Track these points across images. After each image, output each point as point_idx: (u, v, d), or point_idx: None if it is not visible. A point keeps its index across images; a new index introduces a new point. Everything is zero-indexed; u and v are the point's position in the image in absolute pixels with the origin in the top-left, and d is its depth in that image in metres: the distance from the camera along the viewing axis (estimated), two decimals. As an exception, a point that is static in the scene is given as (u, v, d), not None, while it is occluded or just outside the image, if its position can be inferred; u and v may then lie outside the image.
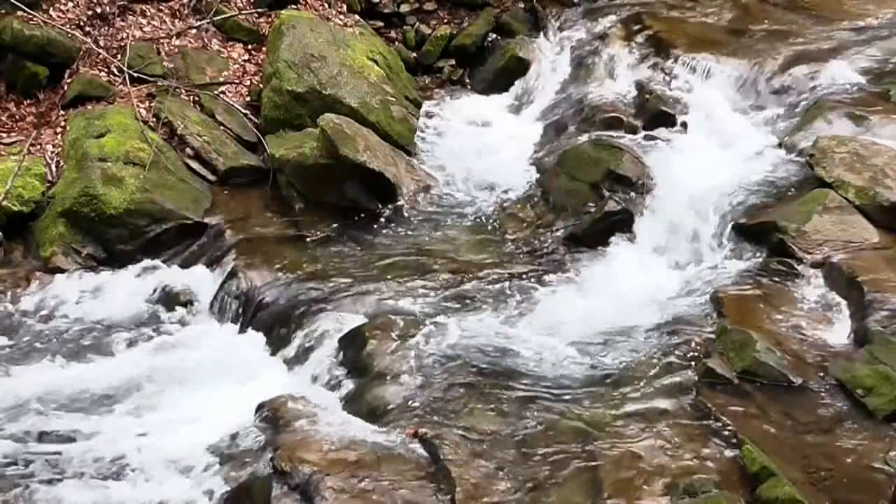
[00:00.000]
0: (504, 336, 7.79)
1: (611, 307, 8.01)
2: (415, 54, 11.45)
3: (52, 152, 9.43)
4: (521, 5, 11.62)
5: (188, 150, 9.52)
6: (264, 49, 10.49)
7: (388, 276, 8.48)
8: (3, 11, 9.74)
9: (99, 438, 7.14)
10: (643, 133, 9.64)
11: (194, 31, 10.61)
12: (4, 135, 9.61)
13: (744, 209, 8.58)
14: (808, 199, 8.44)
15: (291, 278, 8.48)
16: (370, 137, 9.48)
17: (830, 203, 8.29)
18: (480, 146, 10.19)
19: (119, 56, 10.03)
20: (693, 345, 7.47)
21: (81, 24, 10.15)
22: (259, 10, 10.88)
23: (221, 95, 10.10)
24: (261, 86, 10.15)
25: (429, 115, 10.68)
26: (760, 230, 8.33)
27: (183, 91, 10.02)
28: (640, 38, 10.60)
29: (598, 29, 10.94)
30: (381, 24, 11.43)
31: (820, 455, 6.50)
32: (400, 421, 6.93)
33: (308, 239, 8.98)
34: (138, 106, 9.65)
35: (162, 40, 10.43)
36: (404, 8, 11.57)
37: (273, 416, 7.06)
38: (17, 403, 7.41)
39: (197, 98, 10.03)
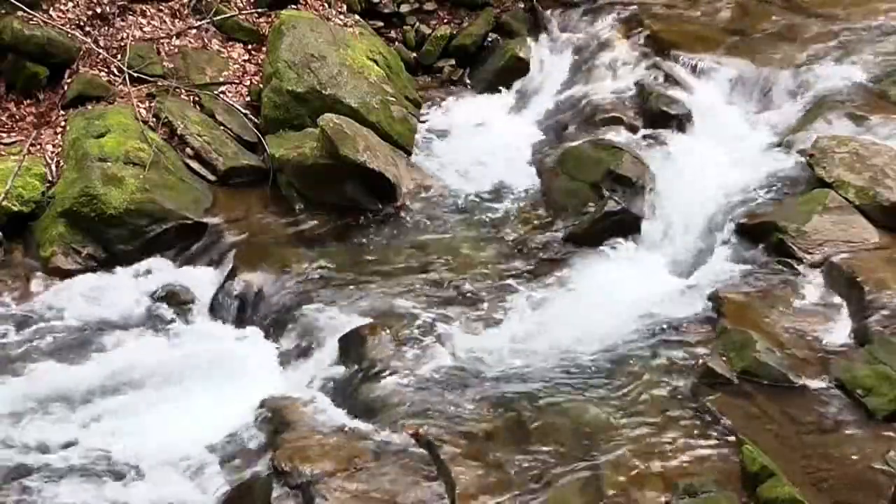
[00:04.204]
0: (504, 336, 7.80)
1: (611, 307, 8.00)
2: (415, 54, 11.45)
3: (52, 152, 9.43)
4: (521, 5, 11.62)
5: (188, 150, 9.52)
6: (264, 49, 10.48)
7: (388, 276, 8.49)
8: (3, 11, 9.73)
9: (99, 438, 7.14)
10: (643, 133, 9.64)
11: (194, 31, 10.61)
12: (4, 135, 9.61)
13: (744, 209, 8.58)
14: (808, 199, 8.44)
15: (291, 278, 8.49)
16: (370, 137, 9.48)
17: (830, 203, 8.29)
18: (480, 146, 10.19)
19: (119, 56, 10.03)
20: (693, 345, 7.47)
21: (81, 24, 10.15)
22: (259, 10, 10.87)
23: (221, 95, 10.10)
24: (261, 86, 10.15)
25: (429, 115, 10.68)
26: (760, 230, 8.33)
27: (183, 91, 10.02)
28: (640, 38, 10.59)
29: (598, 29, 10.94)
30: (381, 24, 11.43)
31: (820, 455, 6.50)
32: (400, 421, 6.94)
33: (308, 239, 8.98)
34: (138, 106, 9.65)
35: (162, 40, 10.43)
36: (404, 8, 11.57)
37: (273, 415, 7.07)
38: (16, 403, 7.41)
39: (197, 98, 10.03)
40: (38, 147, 9.47)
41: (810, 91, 9.59)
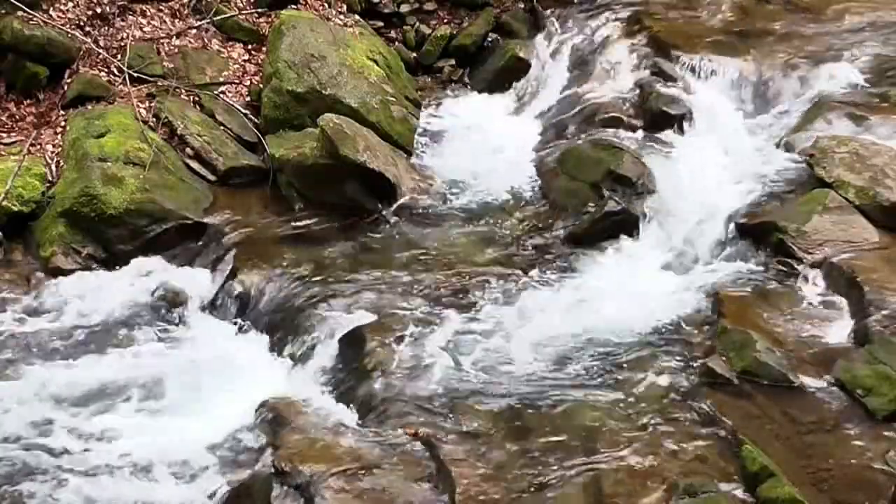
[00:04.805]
0: (504, 336, 7.79)
1: (611, 307, 8.00)
2: (415, 54, 11.44)
3: (52, 152, 9.43)
4: (521, 5, 11.61)
5: (188, 150, 9.52)
6: (264, 49, 10.47)
7: (388, 276, 8.48)
8: (3, 11, 9.73)
9: (98, 438, 7.14)
10: (643, 133, 9.62)
11: (194, 31, 10.60)
12: (4, 135, 9.61)
13: (744, 209, 8.58)
14: (808, 199, 8.44)
15: (291, 278, 8.48)
16: (370, 137, 9.47)
17: (830, 203, 8.29)
18: (480, 146, 10.18)
19: (119, 56, 10.02)
20: (693, 345, 7.48)
21: (81, 24, 10.14)
22: (259, 10, 10.87)
23: (221, 95, 10.10)
24: (261, 86, 10.15)
25: (429, 115, 10.68)
26: (760, 230, 8.34)
27: (183, 91, 10.02)
28: (640, 38, 10.58)
29: (597, 29, 10.93)
30: (381, 24, 11.42)
31: (820, 455, 6.50)
32: (400, 421, 6.94)
33: (308, 239, 8.97)
34: (138, 106, 9.65)
35: (162, 40, 10.43)
36: (404, 8, 11.56)
37: (273, 415, 7.07)
38: (16, 403, 7.41)
39: (197, 98, 10.02)
40: (38, 147, 9.47)
41: (810, 91, 9.60)
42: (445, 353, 7.60)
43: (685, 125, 9.61)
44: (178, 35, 10.53)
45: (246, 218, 9.16)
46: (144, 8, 10.58)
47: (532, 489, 6.33)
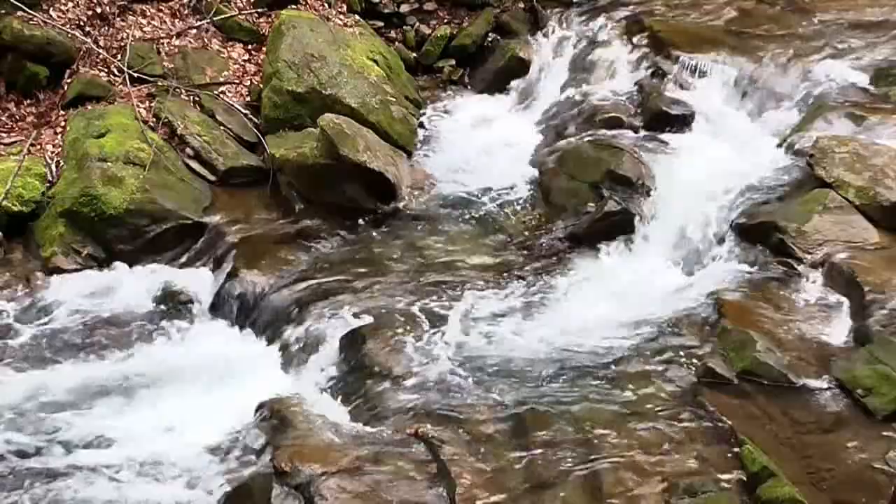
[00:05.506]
0: (504, 336, 7.80)
1: (611, 307, 8.01)
2: (415, 54, 11.45)
3: (52, 152, 9.44)
4: (521, 5, 11.62)
5: (188, 150, 9.52)
6: (264, 49, 10.49)
7: (388, 276, 8.49)
8: (3, 11, 9.74)
9: (98, 438, 7.15)
10: (643, 133, 9.63)
11: (194, 31, 10.61)
12: (4, 135, 9.62)
13: (744, 209, 8.58)
14: (808, 199, 8.44)
15: (291, 278, 8.49)
16: (370, 137, 9.48)
17: (830, 203, 8.29)
18: (480, 146, 10.19)
19: (119, 56, 10.03)
20: (693, 345, 7.48)
21: (81, 24, 10.15)
22: (259, 10, 10.88)
23: (221, 95, 10.10)
24: (261, 86, 10.16)
25: (429, 115, 10.69)
26: (760, 230, 8.33)
27: (183, 91, 10.02)
28: (640, 38, 10.58)
29: (598, 29, 10.93)
30: (381, 24, 11.43)
31: (820, 455, 6.50)
32: (400, 420, 6.94)
33: (308, 239, 8.98)
34: (138, 106, 9.65)
35: (162, 40, 10.43)
36: (404, 8, 11.57)
37: (273, 416, 7.07)
38: (17, 403, 7.41)
39: (197, 98, 10.03)
40: (38, 147, 9.48)
41: (810, 91, 9.58)
42: (445, 352, 7.60)
43: (685, 125, 9.61)
44: (178, 35, 10.53)
45: (246, 218, 9.17)
46: (144, 8, 10.60)
47: (532, 489, 6.33)
